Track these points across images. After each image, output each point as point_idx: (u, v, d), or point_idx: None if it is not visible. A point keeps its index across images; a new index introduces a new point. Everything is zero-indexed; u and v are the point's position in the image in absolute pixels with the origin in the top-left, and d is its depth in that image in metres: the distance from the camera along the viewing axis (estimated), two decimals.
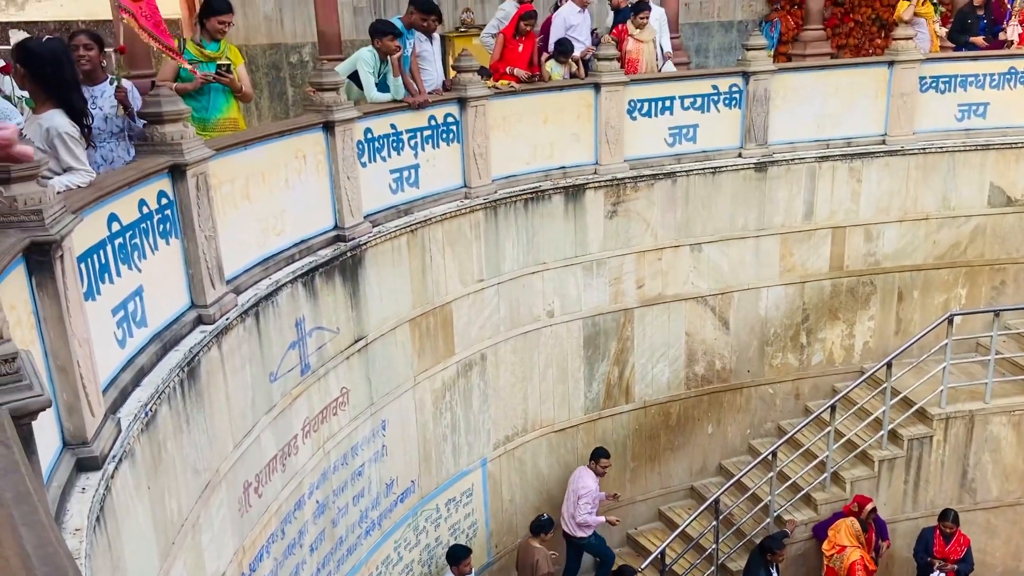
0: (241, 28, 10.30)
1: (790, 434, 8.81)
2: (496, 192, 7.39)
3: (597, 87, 7.84)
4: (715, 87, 8.40)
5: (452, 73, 7.41)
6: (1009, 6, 9.99)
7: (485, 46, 8.35)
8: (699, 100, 8.37)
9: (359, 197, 6.12)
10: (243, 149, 5.08)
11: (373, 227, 6.29)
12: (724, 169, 8.52)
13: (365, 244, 6.14)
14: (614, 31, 8.75)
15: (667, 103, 8.25)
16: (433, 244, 6.89)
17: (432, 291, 6.96)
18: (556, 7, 9.09)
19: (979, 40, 9.55)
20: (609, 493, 8.41)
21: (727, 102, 8.46)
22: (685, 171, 8.37)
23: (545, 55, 8.16)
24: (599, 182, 8.02)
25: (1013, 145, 9.01)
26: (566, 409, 8.55)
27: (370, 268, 6.24)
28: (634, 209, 8.24)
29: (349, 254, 5.99)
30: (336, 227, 5.99)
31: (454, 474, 7.59)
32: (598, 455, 8.29)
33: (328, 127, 5.80)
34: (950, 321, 8.54)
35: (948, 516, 8.11)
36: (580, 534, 8.25)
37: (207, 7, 5.86)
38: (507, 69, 7.64)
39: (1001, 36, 9.79)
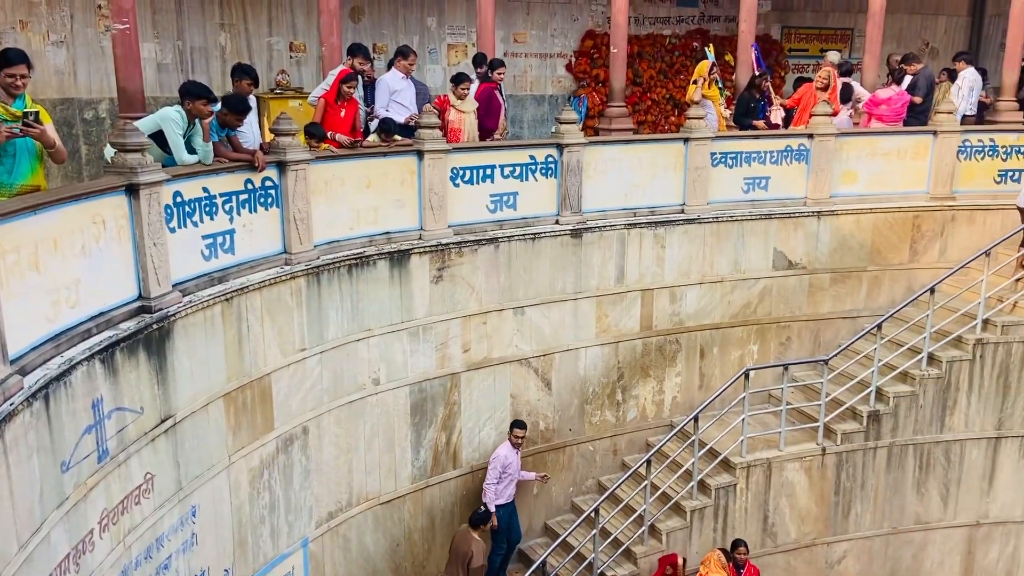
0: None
1: (610, 490, 9.05)
2: (318, 258, 7.18)
3: (420, 154, 7.89)
4: (532, 157, 8.73)
5: (269, 136, 7.18)
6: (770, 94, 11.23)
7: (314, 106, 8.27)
8: (518, 169, 8.66)
9: (167, 265, 5.70)
10: (32, 214, 4.59)
11: (183, 297, 5.87)
12: (543, 235, 8.82)
13: (174, 315, 5.71)
14: (437, 100, 8.91)
15: (488, 171, 8.46)
16: (251, 313, 6.53)
17: (249, 363, 6.57)
18: (487, 76, 9.51)
19: (759, 123, 10.65)
20: (539, 475, 9.00)
21: (544, 171, 8.81)
22: (507, 237, 8.58)
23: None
24: (424, 247, 8.02)
25: (792, 215, 10.05)
26: (393, 479, 8.31)
27: (179, 341, 5.80)
28: (459, 274, 8.31)
29: (155, 326, 5.54)
30: (140, 297, 5.53)
31: (273, 558, 7.10)
32: (513, 425, 8.66)
33: (132, 190, 5.40)
34: (746, 375, 9.23)
35: (740, 543, 8.50)
36: (500, 501, 8.57)
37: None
38: (329, 134, 7.53)
39: (773, 119, 10.93)
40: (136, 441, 5.38)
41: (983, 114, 12.41)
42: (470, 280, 8.41)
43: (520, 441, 8.66)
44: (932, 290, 9.47)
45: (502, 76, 9.71)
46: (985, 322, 9.61)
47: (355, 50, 8.64)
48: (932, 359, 9.59)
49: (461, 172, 8.30)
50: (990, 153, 10.59)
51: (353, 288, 7.55)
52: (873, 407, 9.46)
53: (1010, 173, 10.61)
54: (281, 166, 6.82)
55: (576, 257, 9.06)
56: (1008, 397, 9.74)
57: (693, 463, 9.04)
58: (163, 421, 5.66)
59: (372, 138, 8.17)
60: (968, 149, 10.52)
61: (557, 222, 8.95)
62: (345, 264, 7.44)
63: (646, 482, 8.81)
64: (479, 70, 9.81)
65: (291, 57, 11.78)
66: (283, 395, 6.99)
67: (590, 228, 9.08)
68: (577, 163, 8.89)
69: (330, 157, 7.38)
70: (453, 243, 8.23)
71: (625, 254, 9.33)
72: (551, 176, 8.85)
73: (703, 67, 10.85)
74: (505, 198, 8.64)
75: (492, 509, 8.51)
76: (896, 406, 9.51)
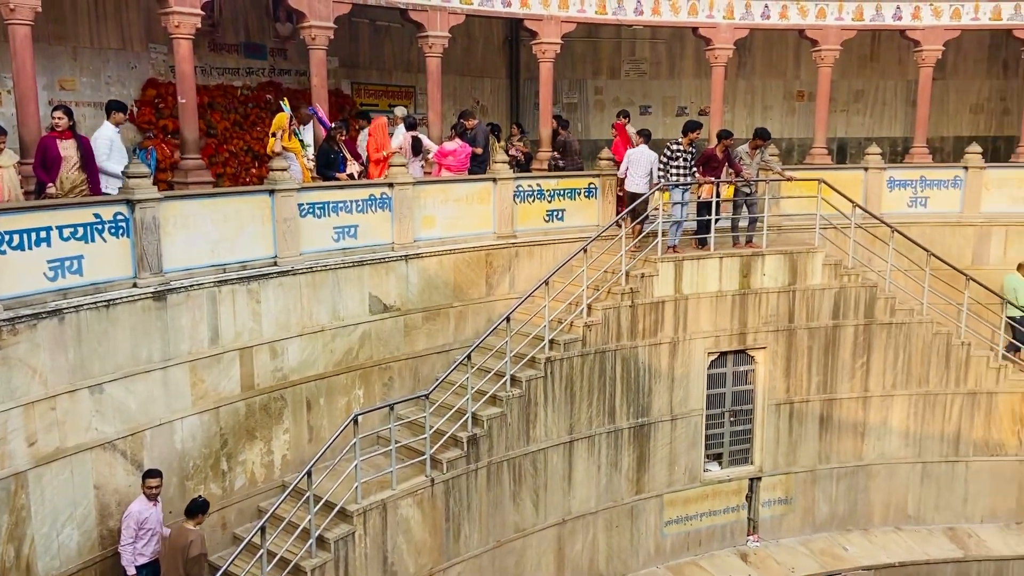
0: None
1: (222, 569, 8.38)
2: None
3: None
4: (98, 216, 7.82)
5: None
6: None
7: None
8: (81, 230, 7.68)
9: None
10: None
11: None
12: (119, 301, 7.93)
13: None
14: None
15: (43, 234, 7.36)
16: None
17: None
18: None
19: (342, 175, 10.94)
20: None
21: (113, 231, 7.95)
22: (74, 307, 7.53)
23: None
24: None
25: (382, 260, 10.48)
26: None
27: None
28: (15, 356, 7.04)
29: None
30: None
31: None
32: (145, 476, 8.01)
33: None
34: (355, 421, 9.29)
35: None
36: (143, 561, 7.88)
37: None
38: None
39: (348, 170, 11.28)
40: None
41: (529, 163, 14.40)
42: (30, 361, 7.19)
43: (156, 492, 7.93)
44: (507, 319, 10.58)
45: (59, 122, 8.54)
46: (551, 342, 11.04)
47: None
48: (514, 380, 10.69)
49: (7, 237, 7.09)
50: (538, 196, 12.27)
51: None
52: (471, 432, 10.22)
53: (555, 212, 12.42)
54: None
55: (161, 322, 8.31)
56: (575, 404, 11.29)
57: (310, 520, 8.81)
58: None
59: None
60: (522, 193, 12.06)
61: (135, 285, 8.13)
62: None
63: (261, 551, 8.33)
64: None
65: None
66: None
67: (175, 289, 8.41)
68: (153, 220, 8.19)
69: None
70: (3, 320, 6.96)
71: (218, 313, 8.83)
72: (123, 235, 8.03)
73: (281, 119, 10.83)
74: (68, 263, 7.59)
75: (131, 572, 7.76)
76: (490, 428, 10.40)
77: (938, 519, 13.45)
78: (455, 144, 12.13)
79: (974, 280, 13.10)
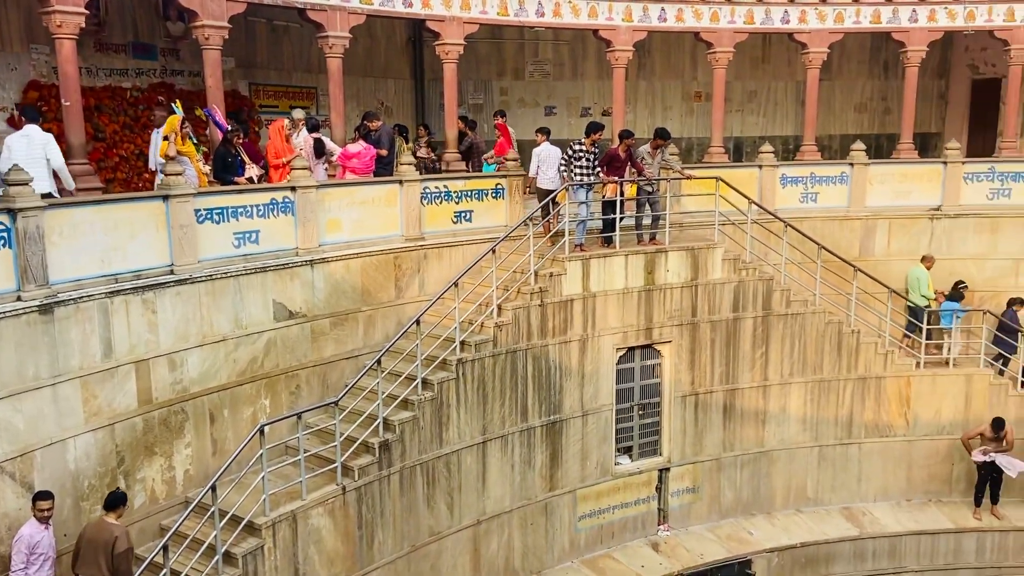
0: None
1: None
2: None
3: None
4: None
5: None
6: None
7: None
8: None
9: None
10: None
11: None
12: (2, 316, 7.49)
13: None
14: None
15: None
16: None
17: None
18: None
19: (241, 179, 10.62)
20: None
21: None
22: None
23: None
24: None
25: (286, 265, 10.23)
26: None
27: None
28: None
29: None
30: None
31: None
32: (36, 498, 7.59)
33: None
34: (261, 432, 9.04)
35: None
36: None
37: None
38: None
39: (247, 174, 10.98)
40: None
41: (437, 165, 14.36)
42: None
43: (47, 514, 7.55)
44: (418, 322, 10.50)
45: None
46: (462, 343, 11.02)
47: None
48: (426, 383, 10.63)
49: None
50: (446, 198, 12.23)
51: None
52: (383, 437, 10.09)
53: (463, 214, 12.41)
54: None
55: (49, 336, 7.90)
56: (487, 404, 11.31)
57: (216, 535, 8.53)
58: None
59: None
60: (429, 195, 12.00)
61: (19, 299, 7.70)
62: None
63: (164, 570, 8.01)
64: None
65: None
66: None
67: (63, 301, 8.00)
68: (37, 229, 7.77)
69: None
70: None
71: (111, 325, 8.45)
72: (5, 246, 7.59)
73: (173, 122, 10.45)
74: None
75: None
76: (402, 432, 10.30)
77: (835, 500, 14.14)
78: (359, 146, 11.97)
79: (861, 271, 13.84)
